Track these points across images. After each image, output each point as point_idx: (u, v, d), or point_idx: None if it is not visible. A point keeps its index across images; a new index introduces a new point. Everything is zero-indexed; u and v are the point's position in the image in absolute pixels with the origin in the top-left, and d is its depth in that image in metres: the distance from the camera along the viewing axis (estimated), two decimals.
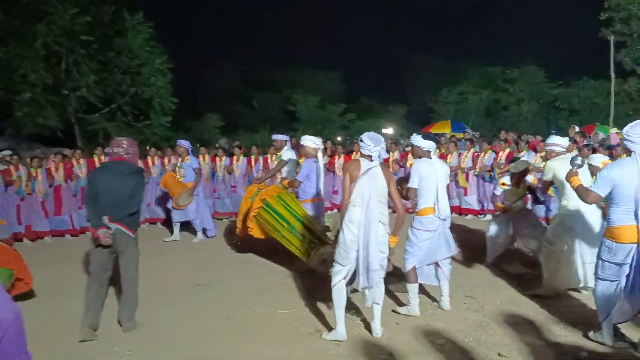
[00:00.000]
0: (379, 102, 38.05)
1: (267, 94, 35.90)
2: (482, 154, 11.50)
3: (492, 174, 10.94)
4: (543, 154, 9.52)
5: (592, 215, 5.17)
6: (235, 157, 12.11)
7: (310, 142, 7.26)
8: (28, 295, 6.01)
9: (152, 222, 11.47)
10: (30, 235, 10.04)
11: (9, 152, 10.89)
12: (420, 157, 5.24)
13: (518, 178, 6.66)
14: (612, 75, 25.23)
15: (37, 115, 19.90)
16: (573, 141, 10.24)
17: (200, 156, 11.89)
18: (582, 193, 4.27)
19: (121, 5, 21.33)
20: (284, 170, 7.98)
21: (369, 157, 4.55)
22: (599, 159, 6.27)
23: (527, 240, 6.68)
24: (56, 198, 10.27)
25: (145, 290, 6.17)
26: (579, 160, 4.51)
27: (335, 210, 11.61)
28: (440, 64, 40.68)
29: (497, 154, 11.23)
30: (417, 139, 5.32)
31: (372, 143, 4.53)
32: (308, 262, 6.36)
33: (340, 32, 62.25)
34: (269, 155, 11.88)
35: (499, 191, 7.01)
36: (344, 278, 4.58)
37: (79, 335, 4.91)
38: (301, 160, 7.50)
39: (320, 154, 7.47)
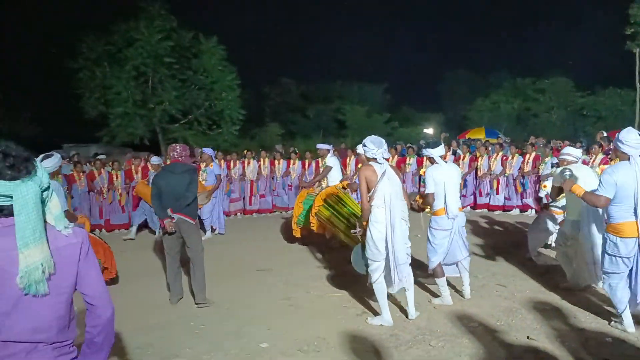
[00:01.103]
0: (419, 111, 37.55)
1: (321, 105, 36.02)
2: (510, 157, 11.26)
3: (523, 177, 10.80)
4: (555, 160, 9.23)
5: (596, 216, 4.90)
6: (292, 161, 12.23)
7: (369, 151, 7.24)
8: (112, 281, 6.11)
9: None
10: (108, 228, 10.30)
11: (104, 156, 11.39)
12: (431, 164, 5.09)
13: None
14: (638, 85, 24.04)
15: (128, 126, 20.72)
16: (599, 145, 9.80)
17: (261, 160, 12.13)
18: (592, 198, 4.14)
19: (198, 31, 21.89)
20: (329, 175, 7.96)
21: (375, 160, 4.47)
22: None
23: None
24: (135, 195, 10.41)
25: (215, 274, 6.33)
26: (567, 172, 4.53)
27: None
28: (473, 76, 39.84)
29: (524, 157, 10.98)
30: (425, 150, 5.15)
31: (375, 146, 4.46)
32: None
33: (384, 50, 61.86)
34: (320, 159, 11.94)
35: (542, 193, 6.80)
36: (382, 272, 4.51)
37: (170, 302, 5.44)
38: (359, 165, 7.46)
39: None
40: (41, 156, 5.11)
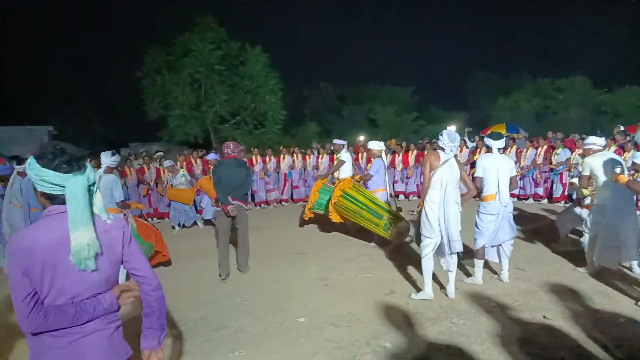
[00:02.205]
0: (444, 110, 36.74)
1: (354, 106, 35.76)
2: (525, 150, 10.96)
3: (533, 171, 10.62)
4: (581, 151, 8.84)
5: (625, 202, 4.65)
6: (320, 155, 12.20)
7: (376, 145, 7.25)
8: (166, 264, 6.27)
9: (257, 205, 11.73)
10: (157, 215, 10.50)
11: (161, 153, 11.64)
12: (486, 153, 5.05)
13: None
14: None
15: (184, 126, 21.21)
16: (612, 138, 9.35)
17: (294, 155, 12.13)
18: (637, 186, 4.09)
19: (245, 41, 22.11)
20: (342, 168, 7.92)
21: (443, 150, 4.46)
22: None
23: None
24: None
25: (257, 257, 6.44)
26: (618, 168, 4.33)
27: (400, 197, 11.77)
28: (496, 77, 38.68)
29: (537, 150, 10.72)
30: (486, 140, 5.07)
31: (449, 139, 4.44)
32: (387, 236, 6.33)
33: (412, 54, 60.94)
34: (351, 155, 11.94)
35: (571, 190, 6.58)
36: (432, 250, 4.49)
37: (220, 280, 5.60)
38: (373, 159, 7.42)
39: (383, 154, 7.38)
40: (108, 152, 5.34)
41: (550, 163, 10.37)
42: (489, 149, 5.08)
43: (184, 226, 9.29)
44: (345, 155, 7.86)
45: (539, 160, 10.59)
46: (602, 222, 4.70)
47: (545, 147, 10.64)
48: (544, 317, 4.01)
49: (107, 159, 5.30)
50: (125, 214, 5.40)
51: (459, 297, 4.60)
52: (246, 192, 5.84)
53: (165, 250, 6.06)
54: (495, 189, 4.83)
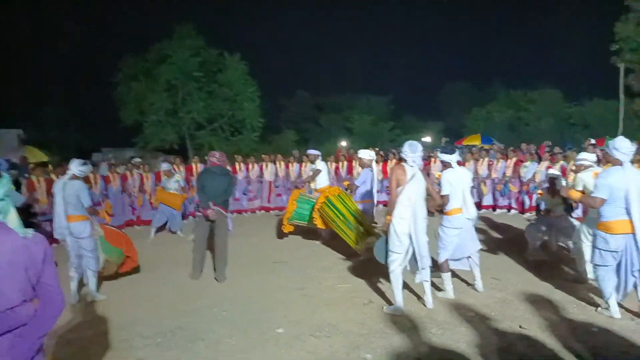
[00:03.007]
0: (420, 119, 37.31)
1: (331, 114, 36.02)
2: (496, 162, 11.14)
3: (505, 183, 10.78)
4: (574, 167, 9.06)
5: None
6: (303, 164, 12.16)
7: (366, 154, 7.15)
8: (134, 270, 6.13)
9: (238, 213, 11.56)
10: (139, 222, 10.29)
11: (138, 159, 11.42)
12: (445, 168, 4.96)
13: (553, 190, 6.26)
14: (621, 97, 23.46)
15: (160, 133, 20.94)
16: (573, 151, 9.72)
17: (277, 163, 12.05)
18: (589, 201, 4.21)
19: (223, 49, 22.05)
20: (318, 178, 7.90)
21: (406, 161, 4.44)
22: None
23: (564, 239, 6.28)
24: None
25: (235, 266, 6.35)
26: (561, 180, 4.42)
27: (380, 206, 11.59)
28: (471, 88, 39.60)
29: (507, 162, 10.94)
30: (442, 155, 5.02)
31: (410, 151, 4.43)
32: (356, 249, 6.28)
33: (389, 64, 61.88)
34: (328, 163, 11.93)
35: (539, 200, 6.69)
36: (400, 265, 4.46)
37: (191, 278, 5.92)
38: (360, 170, 7.40)
39: (374, 164, 7.32)
40: (80, 161, 5.22)
41: (519, 176, 10.57)
42: (445, 164, 4.98)
43: (170, 230, 9.19)
44: (320, 164, 7.86)
45: (509, 172, 10.79)
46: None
47: (514, 159, 10.88)
48: (520, 326, 4.07)
49: (76, 167, 5.16)
50: (91, 222, 5.25)
51: (437, 307, 4.63)
52: (227, 199, 5.97)
53: (135, 256, 5.92)
54: (460, 202, 4.83)
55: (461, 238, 4.91)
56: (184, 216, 10.06)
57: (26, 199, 8.38)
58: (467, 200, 4.85)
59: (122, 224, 9.87)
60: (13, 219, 1.85)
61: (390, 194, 4.49)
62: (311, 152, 8.66)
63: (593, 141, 10.86)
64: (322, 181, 7.84)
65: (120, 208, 10.12)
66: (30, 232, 1.86)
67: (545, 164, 10.13)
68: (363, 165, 7.09)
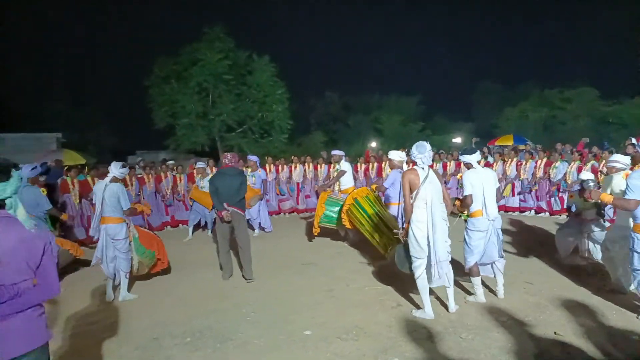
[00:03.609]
0: (451, 120, 36.67)
1: (360, 115, 35.80)
2: (524, 162, 10.84)
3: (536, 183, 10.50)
4: (605, 169, 8.69)
5: None
6: (332, 165, 12.14)
7: (397, 155, 7.03)
8: (165, 271, 6.25)
9: (269, 214, 11.70)
10: (174, 223, 10.52)
11: (172, 162, 11.67)
12: (468, 169, 4.89)
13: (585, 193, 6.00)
14: None
15: (191, 135, 21.31)
16: (610, 151, 9.32)
17: (306, 164, 12.08)
18: (623, 203, 4.01)
19: (252, 51, 22.25)
20: (343, 179, 7.83)
21: (415, 163, 4.39)
22: None
23: (594, 244, 5.91)
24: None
25: (265, 267, 6.43)
26: (591, 183, 4.46)
27: None
28: (503, 87, 38.62)
29: (536, 163, 10.63)
30: (462, 157, 4.91)
31: (417, 151, 4.37)
32: (385, 255, 6.20)
33: (419, 64, 61.15)
34: (358, 164, 12.03)
35: (570, 202, 6.43)
36: (424, 269, 4.39)
37: (223, 278, 6.06)
38: (389, 171, 7.33)
39: (404, 165, 7.21)
40: (119, 164, 5.37)
41: (549, 177, 10.29)
42: (466, 165, 4.89)
43: (205, 227, 9.41)
44: (345, 165, 7.81)
45: (539, 173, 10.49)
46: (622, 242, 4.58)
47: (545, 160, 10.57)
48: (556, 332, 3.94)
49: (117, 169, 5.31)
50: (128, 223, 5.39)
51: (468, 311, 4.54)
52: (242, 199, 6.01)
53: (165, 258, 6.05)
54: (481, 204, 4.71)
55: (487, 242, 4.78)
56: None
57: (59, 199, 8.70)
58: (487, 202, 4.71)
59: (158, 225, 10.12)
60: (21, 214, 2.12)
61: (405, 201, 4.38)
62: (335, 152, 8.63)
63: (634, 140, 10.41)
64: (347, 182, 7.79)
65: (155, 210, 10.33)
66: (33, 222, 2.15)
67: (575, 164, 9.87)
68: (393, 166, 6.98)
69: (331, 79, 55.06)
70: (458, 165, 11.50)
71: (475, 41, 66.55)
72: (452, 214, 4.70)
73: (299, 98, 28.42)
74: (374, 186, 7.27)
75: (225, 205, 5.81)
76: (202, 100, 21.35)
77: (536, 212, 10.59)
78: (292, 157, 12.75)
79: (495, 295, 4.95)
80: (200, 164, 9.70)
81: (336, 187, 8.18)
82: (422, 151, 4.36)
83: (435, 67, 58.51)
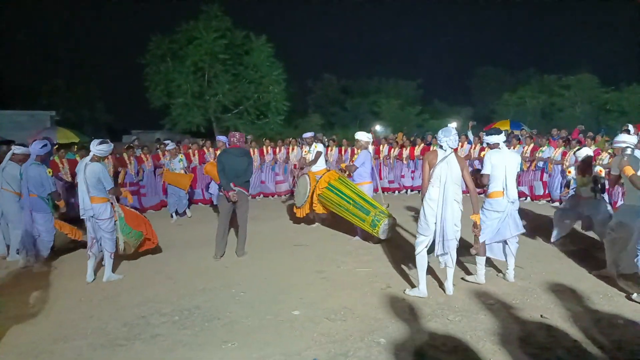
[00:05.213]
0: (449, 104, 36.53)
1: (358, 98, 35.64)
2: (512, 147, 10.67)
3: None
4: (611, 150, 8.63)
5: None
6: (329, 148, 12.09)
7: (364, 136, 7.06)
8: (154, 250, 6.22)
9: (265, 196, 11.78)
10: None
11: (169, 141, 11.52)
12: (492, 149, 4.92)
13: (584, 168, 5.95)
14: None
15: (187, 115, 21.14)
16: (602, 136, 9.38)
17: (303, 146, 11.88)
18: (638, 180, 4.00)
19: (249, 31, 21.95)
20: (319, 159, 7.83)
21: (440, 147, 4.43)
22: None
23: (598, 227, 5.76)
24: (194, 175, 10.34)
25: (256, 248, 6.42)
26: (628, 151, 4.24)
27: (395, 193, 12.01)
28: (502, 73, 38.41)
29: (524, 148, 10.78)
30: (488, 137, 5.01)
31: (442, 135, 4.43)
32: (373, 232, 6.19)
33: (416, 48, 60.60)
34: (329, 147, 11.99)
35: (569, 178, 6.42)
36: (425, 247, 4.44)
37: (214, 258, 6.02)
38: (358, 151, 7.32)
39: (370, 146, 7.20)
40: (97, 140, 5.23)
41: (534, 160, 10.49)
42: (490, 146, 4.97)
43: (177, 213, 9.21)
44: (319, 146, 7.80)
45: (526, 155, 10.65)
46: (629, 225, 4.52)
47: (532, 145, 10.78)
48: (542, 316, 3.95)
49: (94, 147, 5.12)
50: (112, 203, 5.28)
51: (456, 293, 4.54)
52: (247, 180, 6.07)
53: (155, 238, 6.02)
54: (502, 185, 4.73)
55: (502, 222, 4.79)
56: (191, 201, 10.06)
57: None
58: (508, 183, 4.73)
59: (157, 204, 10.06)
60: None
61: (423, 180, 4.49)
62: (307, 135, 8.57)
63: (631, 127, 10.40)
64: (320, 164, 7.73)
65: (154, 189, 10.25)
66: None
67: (559, 150, 10.05)
68: (360, 147, 7.06)
69: (330, 61, 54.67)
70: (455, 150, 11.49)
71: (476, 26, 65.95)
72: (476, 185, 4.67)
73: (297, 80, 28.24)
74: (343, 165, 7.28)
75: (231, 185, 5.82)
76: (198, 80, 21.13)
77: (532, 199, 10.59)
78: (290, 139, 12.63)
79: (505, 279, 4.93)
80: (171, 145, 9.41)
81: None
82: (447, 134, 4.42)
83: (435, 51, 58.06)
